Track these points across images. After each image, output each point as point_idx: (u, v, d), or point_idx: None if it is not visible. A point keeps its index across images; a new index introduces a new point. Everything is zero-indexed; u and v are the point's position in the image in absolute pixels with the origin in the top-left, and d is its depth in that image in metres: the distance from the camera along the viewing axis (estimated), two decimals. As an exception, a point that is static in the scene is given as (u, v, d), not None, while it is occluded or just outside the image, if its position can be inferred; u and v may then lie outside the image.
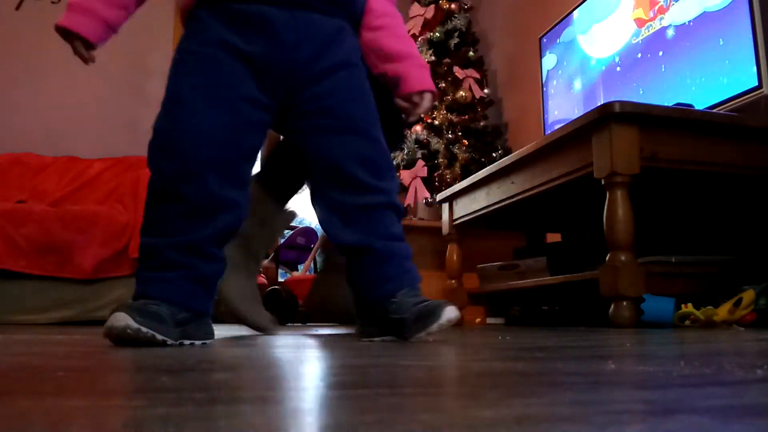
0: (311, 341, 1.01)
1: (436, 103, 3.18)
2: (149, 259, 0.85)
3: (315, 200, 1.02)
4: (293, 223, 3.63)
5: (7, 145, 3.13)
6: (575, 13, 2.43)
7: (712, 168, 1.59)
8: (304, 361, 0.61)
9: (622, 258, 1.47)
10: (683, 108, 1.61)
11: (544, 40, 2.64)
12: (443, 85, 3.20)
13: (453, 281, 2.40)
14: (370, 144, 0.98)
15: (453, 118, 3.14)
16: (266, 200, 1.27)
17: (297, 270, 3.09)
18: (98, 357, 0.66)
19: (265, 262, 2.95)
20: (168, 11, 3.52)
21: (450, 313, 0.88)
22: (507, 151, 3.03)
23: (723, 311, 1.41)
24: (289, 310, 2.57)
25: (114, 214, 2.53)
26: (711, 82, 1.74)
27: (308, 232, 3.14)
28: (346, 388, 0.38)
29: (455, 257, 2.40)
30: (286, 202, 1.32)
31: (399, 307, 0.92)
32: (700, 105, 1.74)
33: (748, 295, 1.43)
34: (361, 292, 1.00)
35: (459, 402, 0.32)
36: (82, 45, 0.91)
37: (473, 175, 2.22)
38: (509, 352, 0.71)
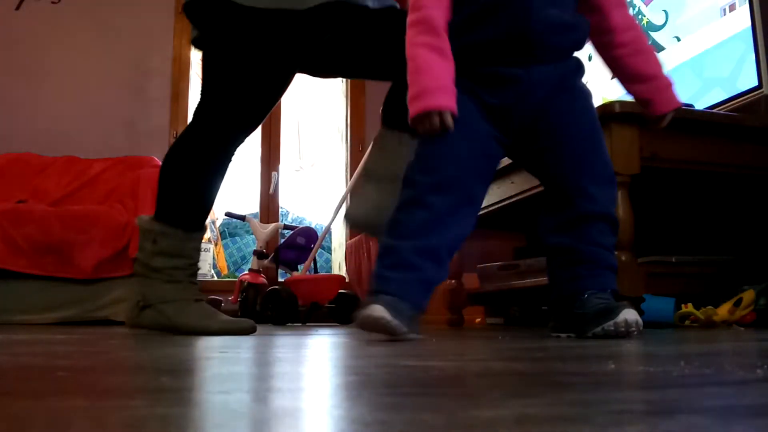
0: (311, 341, 1.01)
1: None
2: (388, 258, 0.98)
3: (542, 209, 1.14)
4: (293, 223, 3.63)
5: (7, 145, 3.12)
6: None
7: (712, 168, 1.59)
8: (304, 361, 0.61)
9: (623, 258, 1.47)
10: (683, 108, 1.61)
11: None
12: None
13: (453, 281, 2.40)
14: (591, 156, 1.07)
15: (453, 118, 3.14)
16: (169, 234, 1.29)
17: (297, 270, 3.09)
18: (98, 357, 0.66)
19: (265, 262, 2.95)
20: (168, 12, 3.52)
21: (628, 314, 0.94)
22: (507, 151, 3.03)
23: (723, 311, 1.41)
24: (289, 310, 2.57)
25: (114, 214, 2.53)
26: (711, 82, 1.74)
27: (308, 232, 3.14)
28: (347, 388, 0.38)
29: (455, 257, 2.40)
30: (194, 229, 1.33)
31: (583, 303, 1.00)
32: (700, 105, 1.74)
33: (748, 295, 1.43)
34: (557, 286, 1.09)
35: (459, 402, 0.32)
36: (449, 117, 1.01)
37: (473, 175, 2.22)
38: (509, 352, 0.71)
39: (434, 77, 0.99)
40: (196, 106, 1.35)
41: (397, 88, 1.34)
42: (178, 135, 1.39)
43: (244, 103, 1.32)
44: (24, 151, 3.07)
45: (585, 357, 0.60)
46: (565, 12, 1.05)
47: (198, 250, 1.35)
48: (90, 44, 3.36)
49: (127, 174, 2.83)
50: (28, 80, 3.32)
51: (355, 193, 1.34)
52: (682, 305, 1.44)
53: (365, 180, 1.36)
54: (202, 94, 1.35)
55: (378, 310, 0.89)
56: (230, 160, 1.37)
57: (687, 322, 1.45)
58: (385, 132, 1.35)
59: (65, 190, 2.91)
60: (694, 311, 1.42)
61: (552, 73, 1.05)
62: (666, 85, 1.14)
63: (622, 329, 0.93)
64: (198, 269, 1.37)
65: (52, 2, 3.37)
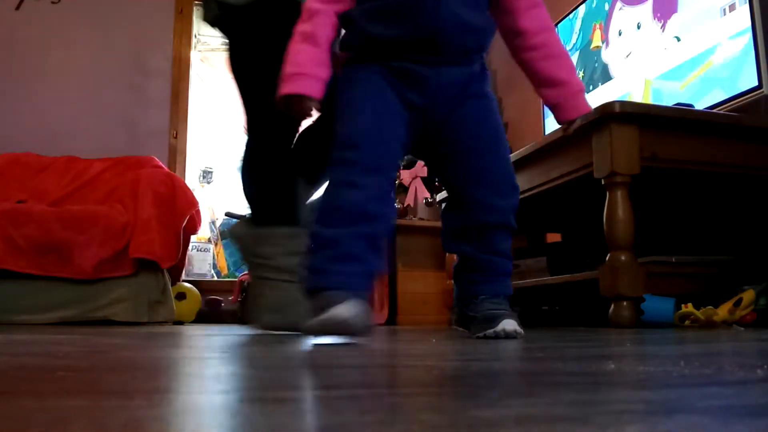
0: (311, 341, 1.01)
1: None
2: (329, 248, 0.92)
3: (444, 210, 1.17)
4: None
5: (7, 145, 3.13)
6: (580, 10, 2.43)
7: (712, 168, 1.59)
8: (305, 361, 0.61)
9: (622, 258, 1.47)
10: (683, 108, 1.61)
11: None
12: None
13: (453, 281, 2.40)
14: (491, 166, 1.07)
15: (453, 118, 3.14)
16: (293, 233, 1.34)
17: (297, 270, 3.09)
18: (98, 357, 0.66)
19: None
20: (168, 12, 3.52)
21: (507, 324, 0.97)
22: (507, 151, 3.03)
23: (723, 311, 1.41)
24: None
25: (114, 214, 2.53)
26: (711, 82, 1.74)
27: (308, 232, 3.14)
28: (346, 388, 0.38)
29: (455, 257, 2.40)
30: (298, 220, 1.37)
31: (475, 307, 1.05)
32: (700, 105, 1.74)
33: (748, 295, 1.43)
34: (458, 287, 1.14)
35: (459, 402, 0.32)
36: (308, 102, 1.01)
37: (473, 175, 2.22)
38: (509, 352, 0.71)
39: (296, 63, 1.00)
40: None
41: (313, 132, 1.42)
42: (247, 140, 1.46)
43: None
44: (24, 151, 3.07)
45: (585, 357, 0.60)
46: (475, 12, 1.02)
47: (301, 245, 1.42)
48: (90, 44, 3.37)
49: (127, 174, 2.83)
50: (28, 80, 3.32)
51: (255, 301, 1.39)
52: (682, 305, 1.44)
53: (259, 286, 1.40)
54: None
55: (342, 311, 0.83)
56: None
57: (687, 322, 1.45)
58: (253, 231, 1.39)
59: (65, 190, 2.91)
60: (694, 311, 1.42)
61: (459, 75, 1.04)
62: (576, 91, 1.12)
63: (502, 336, 0.97)
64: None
65: (52, 2, 3.37)
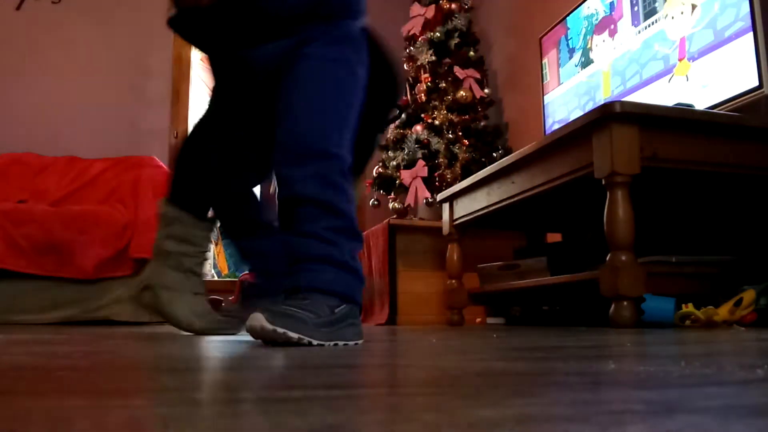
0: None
1: (437, 103, 3.19)
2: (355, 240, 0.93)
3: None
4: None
5: (7, 145, 3.13)
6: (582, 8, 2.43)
7: (712, 168, 1.59)
8: (304, 361, 0.61)
9: (623, 258, 1.47)
10: (683, 108, 1.61)
11: (544, 40, 2.64)
12: (443, 85, 3.20)
13: (453, 281, 2.40)
14: (285, 132, 0.95)
15: (453, 118, 3.14)
16: (180, 218, 1.32)
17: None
18: (98, 357, 0.66)
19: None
20: (168, 13, 3.52)
21: (253, 320, 0.82)
22: (507, 151, 3.03)
23: (723, 311, 1.41)
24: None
25: (114, 214, 2.53)
26: (711, 82, 1.74)
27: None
28: (347, 388, 0.38)
29: (456, 257, 2.40)
30: (203, 214, 1.35)
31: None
32: (700, 105, 1.74)
33: (749, 295, 1.43)
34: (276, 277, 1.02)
35: (459, 402, 0.32)
36: None
37: (474, 175, 2.22)
38: (509, 352, 0.71)
39: None
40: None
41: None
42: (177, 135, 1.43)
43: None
44: (24, 151, 3.07)
45: (585, 357, 0.60)
46: None
47: (208, 239, 1.37)
48: (90, 44, 3.37)
49: (128, 174, 2.83)
50: (28, 80, 3.32)
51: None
52: (683, 305, 1.44)
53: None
54: None
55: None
56: (239, 147, 1.34)
57: (687, 322, 1.45)
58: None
59: (65, 190, 2.91)
60: (695, 311, 1.42)
61: (280, 47, 0.98)
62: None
63: (260, 337, 0.82)
64: (206, 260, 1.38)
65: (53, 2, 3.37)
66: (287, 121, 0.93)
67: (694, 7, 1.83)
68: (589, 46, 2.34)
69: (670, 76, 1.91)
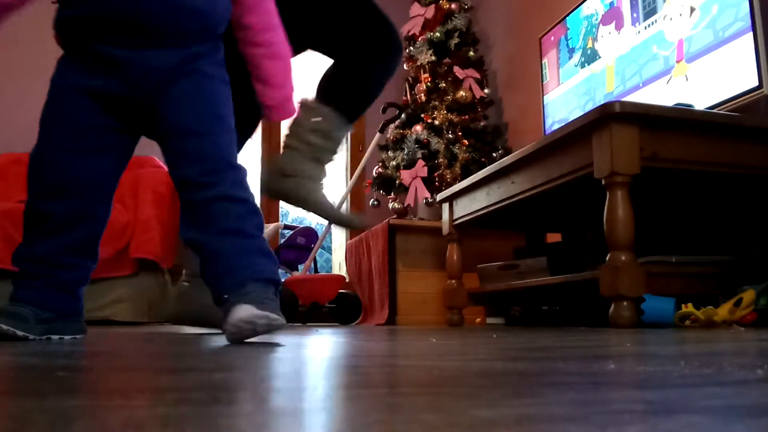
0: (311, 341, 1.01)
1: (437, 103, 3.19)
2: (19, 267, 1.04)
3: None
4: (294, 224, 3.62)
5: (7, 145, 3.12)
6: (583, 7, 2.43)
7: (712, 168, 1.59)
8: (304, 361, 0.61)
9: (623, 258, 1.47)
10: (683, 108, 1.61)
11: (544, 40, 2.64)
12: (443, 85, 3.20)
13: (453, 281, 2.40)
14: (199, 141, 1.00)
15: (453, 118, 3.14)
16: (328, 114, 1.38)
17: (297, 270, 3.09)
18: (98, 357, 0.66)
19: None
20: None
21: (240, 312, 0.84)
22: (507, 151, 3.03)
23: (723, 311, 1.41)
24: (289, 310, 2.57)
25: (114, 214, 2.52)
26: (711, 82, 1.74)
27: (308, 232, 3.14)
28: (346, 388, 0.38)
29: (455, 257, 2.40)
30: (349, 115, 1.42)
31: (224, 311, 0.90)
32: (700, 105, 1.74)
33: (748, 295, 1.43)
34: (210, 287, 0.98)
35: (459, 402, 0.32)
36: None
37: (473, 175, 2.22)
38: (509, 352, 0.71)
39: None
40: None
41: (336, 68, 1.47)
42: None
43: None
44: (24, 151, 3.07)
45: (585, 357, 0.60)
46: None
47: (343, 138, 1.45)
48: (90, 44, 3.36)
49: (127, 174, 2.81)
50: (28, 80, 3.32)
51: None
52: (682, 305, 1.44)
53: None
54: None
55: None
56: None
57: (687, 322, 1.45)
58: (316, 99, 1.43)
59: (65, 190, 2.91)
60: (695, 311, 1.42)
61: (169, 57, 0.98)
62: (286, 97, 1.15)
63: (250, 332, 0.85)
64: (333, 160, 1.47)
65: (53, 2, 3.37)
66: (198, 135, 1.00)
67: (692, 9, 1.83)
68: (593, 39, 2.33)
69: (668, 77, 1.91)
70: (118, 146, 1.07)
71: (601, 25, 2.28)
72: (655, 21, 1.98)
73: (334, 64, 1.48)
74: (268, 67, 1.11)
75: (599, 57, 2.26)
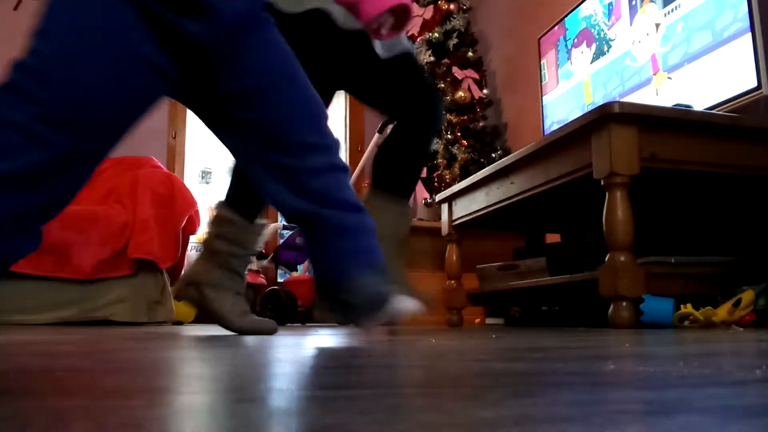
0: (311, 341, 1.01)
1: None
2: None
3: (252, 169, 0.91)
4: (293, 224, 3.63)
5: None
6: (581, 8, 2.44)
7: (711, 169, 1.59)
8: (304, 361, 0.61)
9: (622, 258, 1.47)
10: (682, 109, 1.62)
11: (543, 40, 2.64)
12: (442, 85, 3.20)
13: (453, 281, 2.40)
14: (303, 91, 0.87)
15: (452, 118, 3.14)
16: (234, 220, 1.34)
17: (297, 270, 3.09)
18: (98, 357, 0.66)
19: (264, 262, 2.95)
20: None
21: (403, 303, 0.82)
22: (506, 152, 3.03)
23: (722, 312, 1.41)
24: (288, 311, 2.57)
25: (113, 214, 2.53)
26: (711, 82, 1.74)
27: (308, 232, 3.13)
28: (346, 388, 0.38)
29: (455, 257, 2.40)
30: (254, 218, 1.37)
31: (350, 289, 0.82)
32: (699, 105, 1.74)
33: (748, 296, 1.43)
34: (314, 269, 0.90)
35: (459, 402, 0.32)
36: None
37: (473, 176, 2.22)
38: (509, 352, 0.71)
39: None
40: None
41: (386, 147, 1.46)
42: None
43: None
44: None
45: (584, 357, 0.60)
46: None
47: (256, 243, 1.39)
48: (89, 44, 3.36)
49: (126, 174, 2.83)
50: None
51: None
52: (682, 306, 1.44)
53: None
54: None
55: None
56: None
57: (686, 323, 1.45)
58: (374, 193, 1.43)
59: (64, 190, 2.91)
60: (694, 312, 1.42)
61: (252, 2, 0.83)
62: None
63: (396, 320, 0.82)
64: (251, 262, 1.42)
65: None
66: (299, 84, 0.88)
67: (657, 25, 1.87)
68: (570, 59, 2.39)
69: (648, 86, 1.94)
70: (152, 97, 0.83)
71: (573, 48, 2.33)
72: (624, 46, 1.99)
73: (385, 142, 1.47)
74: None
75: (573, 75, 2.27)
